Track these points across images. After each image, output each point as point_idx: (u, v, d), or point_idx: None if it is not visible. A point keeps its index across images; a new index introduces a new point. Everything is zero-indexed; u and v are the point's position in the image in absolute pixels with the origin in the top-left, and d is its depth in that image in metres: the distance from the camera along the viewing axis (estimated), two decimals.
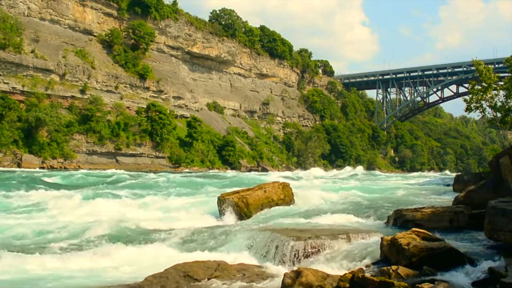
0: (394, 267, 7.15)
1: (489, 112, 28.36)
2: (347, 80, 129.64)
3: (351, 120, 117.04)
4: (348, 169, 78.21)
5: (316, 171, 66.71)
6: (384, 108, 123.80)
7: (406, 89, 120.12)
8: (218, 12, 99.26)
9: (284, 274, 7.19)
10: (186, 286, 7.58)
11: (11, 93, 57.98)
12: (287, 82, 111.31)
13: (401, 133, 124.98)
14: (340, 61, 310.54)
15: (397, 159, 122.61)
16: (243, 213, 15.84)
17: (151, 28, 79.75)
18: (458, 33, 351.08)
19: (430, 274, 6.96)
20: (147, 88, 77.09)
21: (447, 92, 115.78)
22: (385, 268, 7.25)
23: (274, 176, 44.95)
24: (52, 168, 54.23)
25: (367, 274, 6.81)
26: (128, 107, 71.48)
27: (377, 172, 79.04)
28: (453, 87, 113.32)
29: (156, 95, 78.29)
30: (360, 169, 76.83)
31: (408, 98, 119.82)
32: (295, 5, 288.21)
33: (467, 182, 21.73)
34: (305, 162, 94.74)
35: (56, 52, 66.12)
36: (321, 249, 9.71)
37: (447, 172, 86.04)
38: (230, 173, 60.40)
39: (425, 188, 30.28)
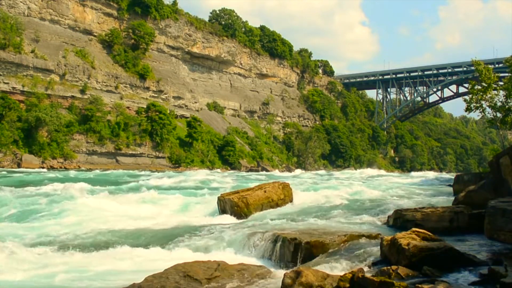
0: (394, 267, 7.15)
1: (489, 112, 28.41)
2: (347, 80, 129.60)
3: (351, 120, 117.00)
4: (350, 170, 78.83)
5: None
6: (384, 108, 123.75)
7: (406, 89, 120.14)
8: (218, 12, 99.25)
9: (284, 274, 7.18)
10: (186, 286, 7.57)
11: (11, 93, 57.95)
12: (287, 82, 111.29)
13: (401, 133, 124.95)
14: (340, 61, 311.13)
15: (397, 159, 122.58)
16: (243, 213, 15.86)
17: (151, 28, 79.74)
18: (457, 33, 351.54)
19: (430, 274, 6.96)
20: (147, 88, 77.07)
21: (447, 92, 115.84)
22: (385, 268, 7.24)
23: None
24: (52, 168, 54.23)
25: (367, 274, 6.81)
26: (128, 107, 71.45)
27: (382, 172, 79.00)
28: (453, 87, 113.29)
29: (156, 95, 78.28)
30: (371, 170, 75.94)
31: (408, 98, 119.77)
32: (294, 5, 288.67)
33: (467, 182, 21.73)
34: (305, 162, 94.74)
35: (56, 52, 66.09)
36: (321, 249, 9.72)
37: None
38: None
39: (425, 188, 30.29)
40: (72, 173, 44.59)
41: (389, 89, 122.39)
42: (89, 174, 44.47)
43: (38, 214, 16.11)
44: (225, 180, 36.17)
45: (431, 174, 67.51)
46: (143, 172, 49.99)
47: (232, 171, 68.88)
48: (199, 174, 41.44)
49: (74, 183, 26.39)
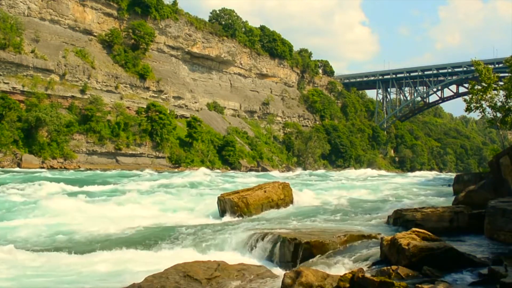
0: (394, 267, 7.14)
1: (489, 112, 28.42)
2: (347, 80, 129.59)
3: (351, 120, 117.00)
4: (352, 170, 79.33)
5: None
6: (384, 108, 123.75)
7: (406, 89, 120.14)
8: (218, 12, 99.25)
9: (284, 274, 7.18)
10: (186, 286, 7.57)
11: (11, 93, 57.93)
12: (287, 82, 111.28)
13: (401, 133, 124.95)
14: (340, 61, 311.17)
15: (397, 159, 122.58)
16: (243, 213, 15.86)
17: (151, 28, 79.72)
18: (457, 33, 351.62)
19: (430, 274, 6.95)
20: (147, 88, 77.07)
21: (447, 92, 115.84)
22: (385, 268, 7.23)
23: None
24: (52, 168, 54.24)
25: (367, 274, 6.80)
26: (128, 107, 71.44)
27: (382, 172, 78.75)
28: (453, 87, 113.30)
29: (156, 95, 78.27)
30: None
31: (408, 98, 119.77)
32: (294, 5, 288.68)
33: (467, 182, 21.73)
34: (305, 162, 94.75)
35: (56, 52, 66.08)
36: (321, 249, 9.71)
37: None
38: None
39: (425, 188, 30.30)
40: (62, 173, 44.42)
41: (389, 89, 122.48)
42: (79, 174, 44.39)
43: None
44: (214, 183, 34.50)
45: (427, 174, 67.49)
46: (139, 172, 49.89)
47: (232, 171, 68.89)
48: (187, 177, 38.87)
49: (50, 182, 26.23)
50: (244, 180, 37.72)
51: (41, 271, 9.41)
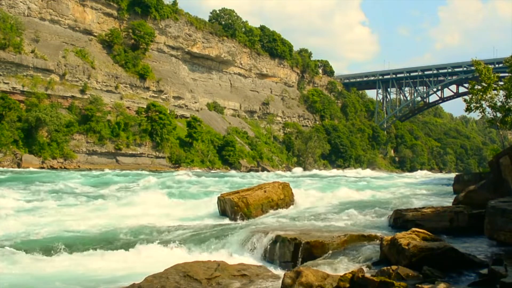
0: (394, 267, 7.14)
1: (489, 112, 28.44)
2: (347, 80, 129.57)
3: (351, 120, 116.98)
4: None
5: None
6: (384, 108, 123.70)
7: (406, 89, 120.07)
8: (218, 12, 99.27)
9: (284, 274, 7.18)
10: (186, 286, 7.57)
11: (11, 93, 57.93)
12: (287, 82, 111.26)
13: (401, 133, 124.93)
14: (340, 61, 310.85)
15: (397, 159, 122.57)
16: (243, 213, 15.84)
17: (151, 28, 79.74)
18: (457, 33, 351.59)
19: (430, 275, 6.95)
20: (147, 88, 77.05)
21: (447, 92, 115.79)
22: (385, 268, 7.23)
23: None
24: (52, 168, 54.24)
25: (367, 274, 6.80)
26: (128, 107, 71.44)
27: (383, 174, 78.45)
28: (453, 87, 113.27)
29: (156, 95, 78.26)
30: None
31: (408, 98, 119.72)
32: (294, 5, 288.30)
33: (467, 182, 21.73)
34: (305, 162, 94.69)
35: (56, 52, 66.08)
36: (321, 249, 9.71)
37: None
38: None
39: (425, 188, 30.29)
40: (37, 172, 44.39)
41: (389, 89, 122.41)
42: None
43: None
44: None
45: (423, 174, 67.22)
46: (133, 172, 49.87)
47: (233, 171, 68.88)
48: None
49: None
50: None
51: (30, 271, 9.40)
